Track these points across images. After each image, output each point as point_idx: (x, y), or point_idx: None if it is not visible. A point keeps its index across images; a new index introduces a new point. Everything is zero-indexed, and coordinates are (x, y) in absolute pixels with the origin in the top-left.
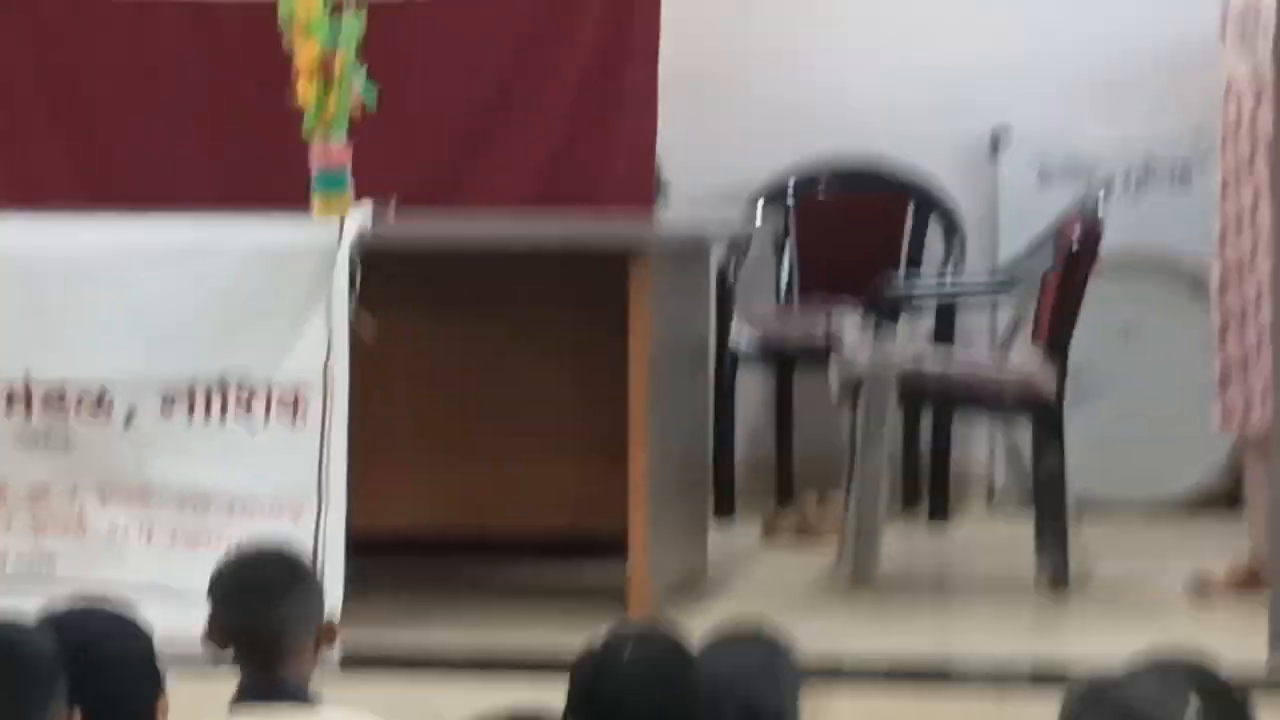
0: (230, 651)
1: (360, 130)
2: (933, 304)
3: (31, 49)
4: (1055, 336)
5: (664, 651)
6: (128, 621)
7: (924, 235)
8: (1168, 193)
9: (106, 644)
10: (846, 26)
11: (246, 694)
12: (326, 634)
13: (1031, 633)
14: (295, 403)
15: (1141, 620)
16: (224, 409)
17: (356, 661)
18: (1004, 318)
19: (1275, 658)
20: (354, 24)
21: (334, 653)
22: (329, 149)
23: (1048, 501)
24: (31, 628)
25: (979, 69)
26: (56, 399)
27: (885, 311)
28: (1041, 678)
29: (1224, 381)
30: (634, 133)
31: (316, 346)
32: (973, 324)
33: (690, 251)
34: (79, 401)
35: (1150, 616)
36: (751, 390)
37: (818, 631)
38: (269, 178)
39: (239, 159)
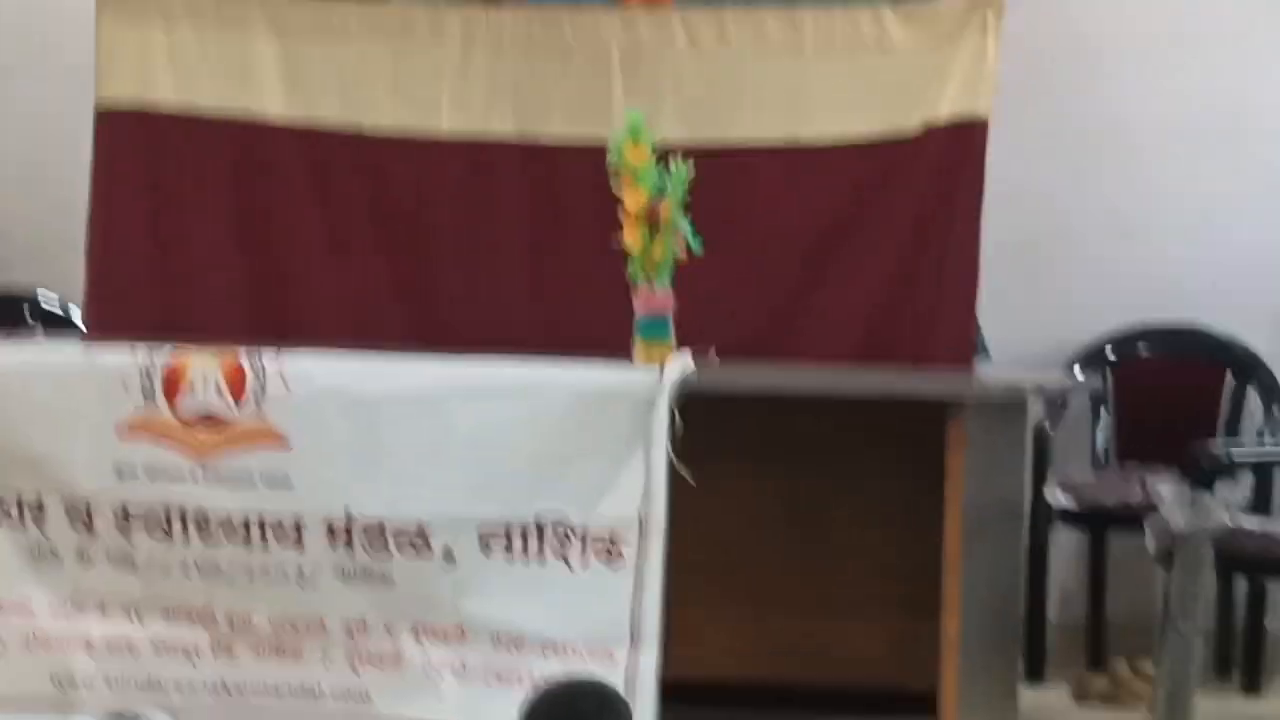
0: None
1: (684, 277)
2: (1251, 471)
3: (368, 187)
4: None
5: None
6: None
7: (1242, 403)
8: None
9: None
10: (1175, 202)
11: None
12: None
13: None
14: (611, 545)
15: None
16: (541, 549)
17: None
18: None
19: None
20: (682, 171)
21: None
22: (653, 294)
23: None
24: None
25: None
26: (377, 534)
27: (1203, 476)
28: None
29: None
30: (956, 292)
31: (634, 490)
32: None
33: (1008, 406)
34: (399, 537)
35: None
36: (1065, 551)
37: None
38: (591, 320)
39: (563, 300)
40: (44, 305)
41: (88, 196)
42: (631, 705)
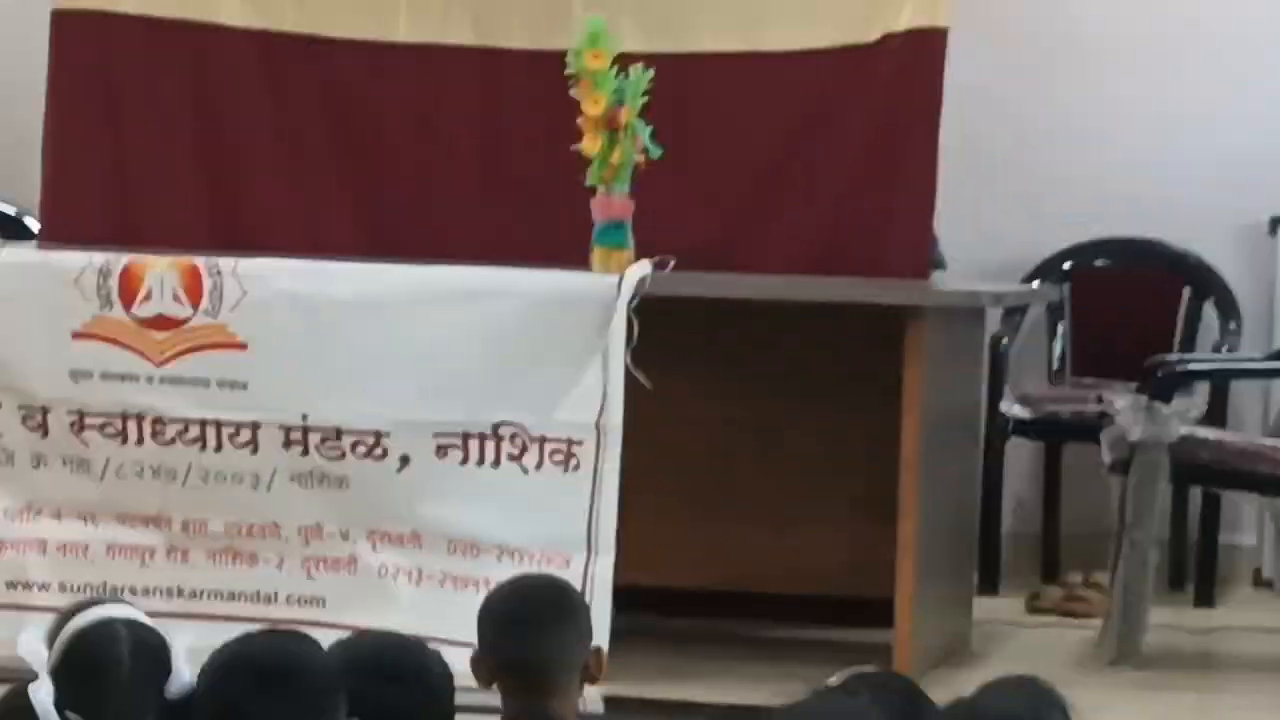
0: (496, 683)
1: (641, 185)
2: (1206, 384)
3: (323, 93)
4: None
5: (904, 694)
6: (418, 652)
7: (1199, 316)
8: None
9: (399, 668)
10: (1134, 112)
11: None
12: (595, 666)
13: None
14: (568, 452)
15: None
16: (497, 456)
17: (620, 706)
18: (1278, 401)
19: None
20: (641, 78)
21: (598, 691)
22: (611, 201)
23: None
24: (315, 644)
25: (1263, 152)
26: (333, 439)
27: (1159, 388)
28: None
29: None
30: (912, 202)
31: (591, 398)
32: (1245, 407)
33: (965, 317)
34: (355, 444)
35: None
36: (1020, 463)
37: (1078, 707)
38: (546, 228)
39: (517, 206)
40: (2, 213)
41: (43, 102)
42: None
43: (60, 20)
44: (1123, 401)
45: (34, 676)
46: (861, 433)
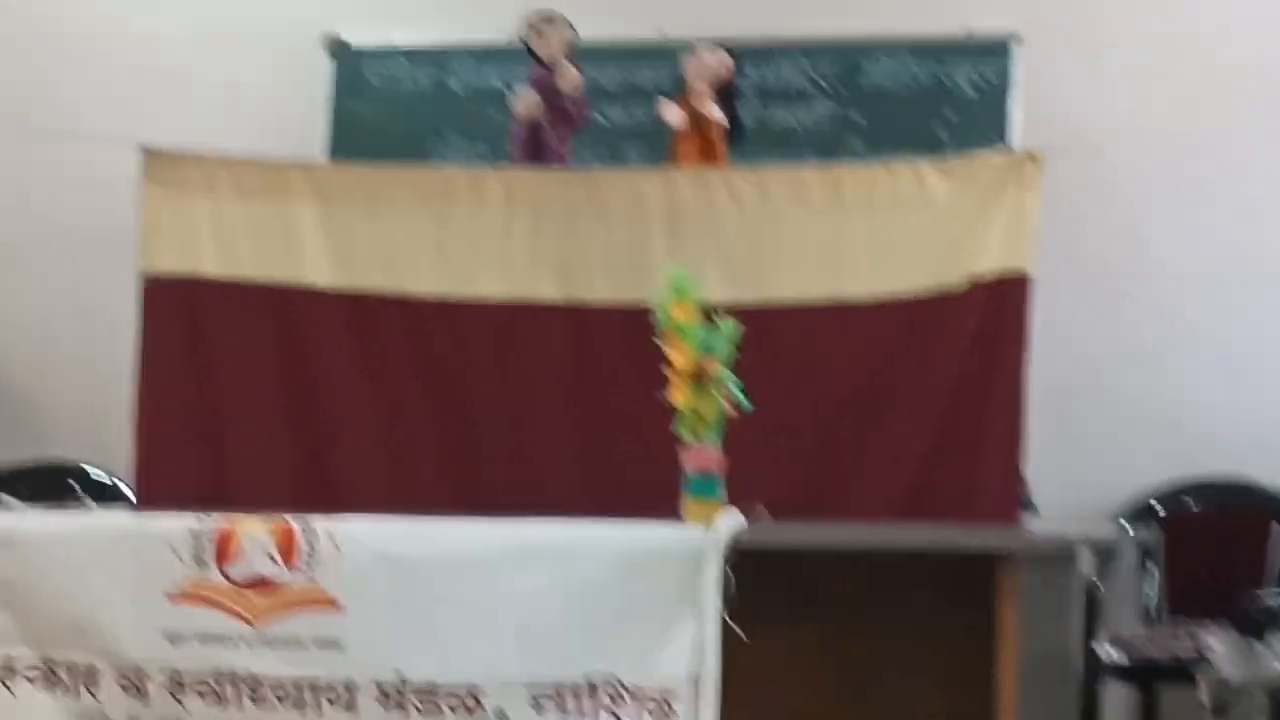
0: None
1: (731, 434)
2: None
3: (411, 351)
4: None
5: None
6: None
7: None
8: None
9: None
10: (1212, 350)
11: None
12: None
13: None
14: (663, 704)
15: None
16: (594, 710)
17: None
18: None
19: None
20: (728, 328)
21: None
22: (702, 453)
23: None
24: None
25: None
26: (429, 696)
27: (1254, 627)
28: None
29: None
30: (1001, 446)
31: (685, 651)
32: None
33: (1058, 559)
34: (451, 701)
35: None
36: (1118, 707)
37: None
38: (637, 480)
39: (607, 457)
40: (93, 478)
41: (133, 369)
42: None
43: (150, 286)
44: (1219, 643)
45: None
46: (956, 676)
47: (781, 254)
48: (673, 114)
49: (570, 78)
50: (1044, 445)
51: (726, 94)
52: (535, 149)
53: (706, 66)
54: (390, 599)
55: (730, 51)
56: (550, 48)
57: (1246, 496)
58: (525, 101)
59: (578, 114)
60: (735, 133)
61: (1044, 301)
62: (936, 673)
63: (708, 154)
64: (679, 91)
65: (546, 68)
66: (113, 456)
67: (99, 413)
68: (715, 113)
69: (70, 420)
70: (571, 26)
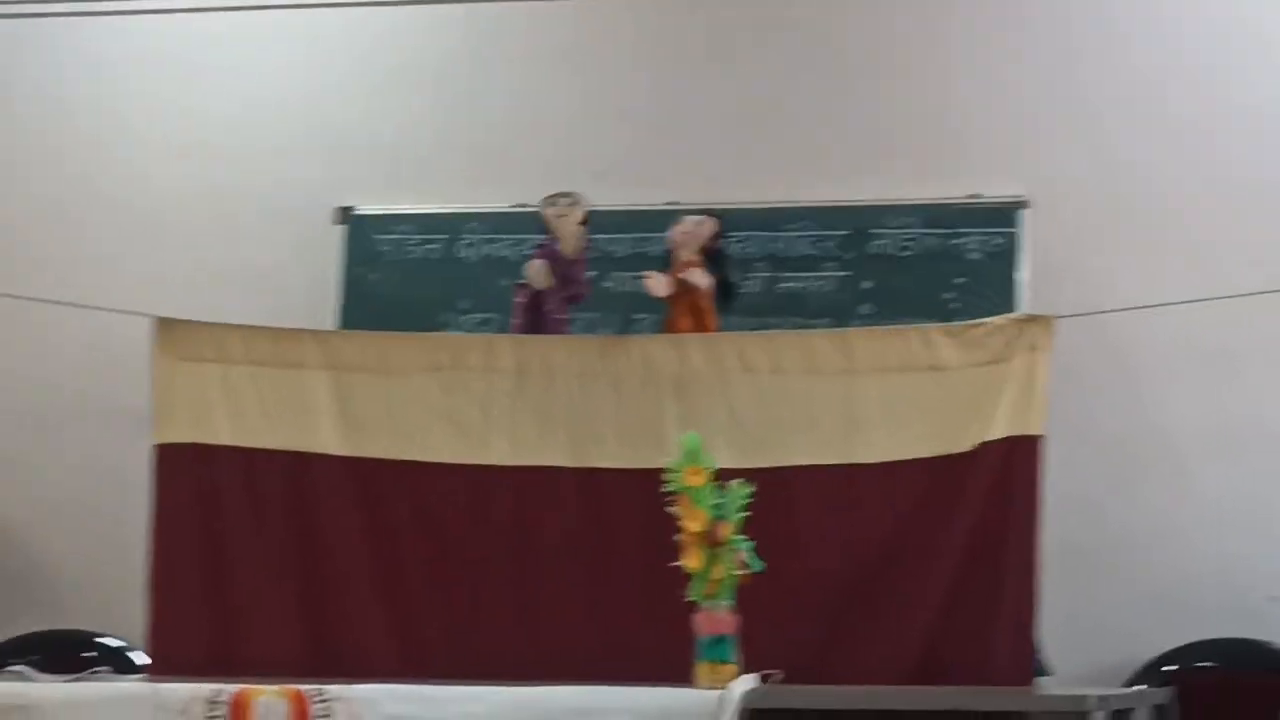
0: None
1: (743, 595)
2: None
3: (419, 518)
4: None
5: None
6: None
7: None
8: None
9: None
10: (1225, 505)
11: None
12: None
13: None
14: None
15: None
16: None
17: None
18: None
19: None
20: (739, 493)
21: None
22: (715, 616)
23: None
24: None
25: None
26: None
27: None
28: None
29: None
30: (1014, 609)
31: None
32: None
33: None
34: None
35: None
36: None
37: None
38: (649, 644)
39: (619, 621)
40: (108, 646)
41: (145, 537)
42: None
43: (161, 454)
44: None
45: None
46: None
47: (792, 422)
48: (656, 285)
49: (574, 244)
50: (1057, 607)
51: (715, 258)
52: (536, 317)
53: (691, 234)
54: None
55: (715, 215)
56: (568, 227)
57: (1260, 659)
58: (538, 270)
59: (583, 286)
60: (725, 295)
61: (1056, 465)
62: None
63: (699, 321)
64: (668, 263)
65: (556, 241)
66: (128, 625)
67: (113, 583)
68: (700, 280)
69: (87, 589)
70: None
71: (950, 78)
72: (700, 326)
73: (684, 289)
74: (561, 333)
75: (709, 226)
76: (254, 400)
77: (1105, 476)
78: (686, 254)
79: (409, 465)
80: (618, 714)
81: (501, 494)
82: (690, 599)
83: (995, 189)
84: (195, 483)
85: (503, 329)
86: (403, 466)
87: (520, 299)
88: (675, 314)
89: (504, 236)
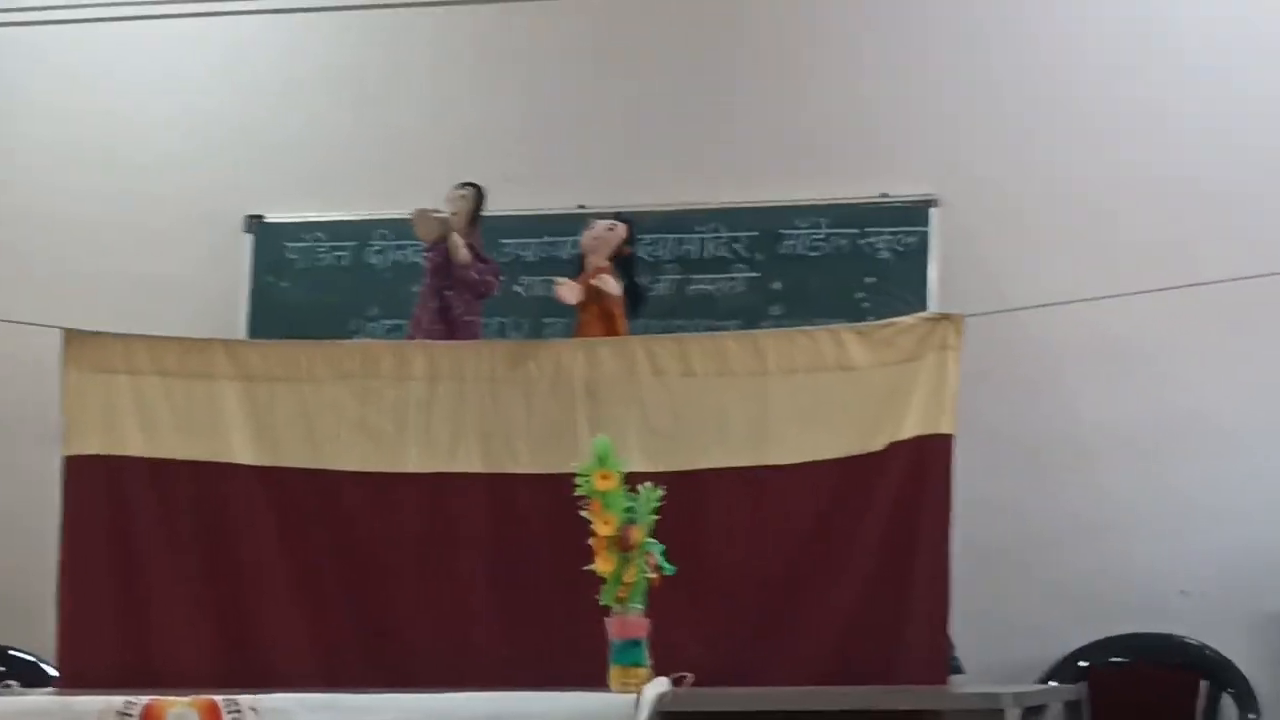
0: None
1: (655, 600)
2: None
3: (332, 526)
4: None
5: None
6: None
7: (1218, 709)
8: None
9: None
10: (1137, 504)
11: None
12: None
13: None
14: None
15: None
16: None
17: None
18: None
19: None
20: (650, 496)
21: None
22: (626, 620)
23: None
24: None
25: (1273, 544)
26: None
27: None
28: None
29: None
30: (927, 607)
31: None
32: None
33: (985, 718)
34: None
35: None
36: None
37: None
38: (562, 647)
39: (530, 627)
40: (20, 659)
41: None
42: None
43: (71, 466)
44: None
45: None
46: None
47: (703, 425)
48: (567, 292)
49: (461, 253)
50: (970, 605)
51: (625, 264)
52: (445, 323)
53: (601, 239)
54: None
55: (625, 219)
56: (430, 231)
57: (1174, 654)
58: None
59: (482, 283)
60: (635, 301)
61: (966, 464)
62: None
63: (609, 327)
64: (579, 267)
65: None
66: (36, 636)
67: (26, 594)
68: (611, 286)
69: None
70: (479, 194)
71: (858, 77)
72: (611, 332)
73: (595, 295)
74: (472, 334)
75: (620, 231)
76: (164, 411)
77: (1016, 474)
78: (597, 259)
79: (321, 474)
80: (531, 719)
81: (415, 501)
82: (602, 603)
83: (904, 188)
84: (106, 494)
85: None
86: (315, 475)
87: (420, 309)
88: (586, 320)
89: (413, 243)
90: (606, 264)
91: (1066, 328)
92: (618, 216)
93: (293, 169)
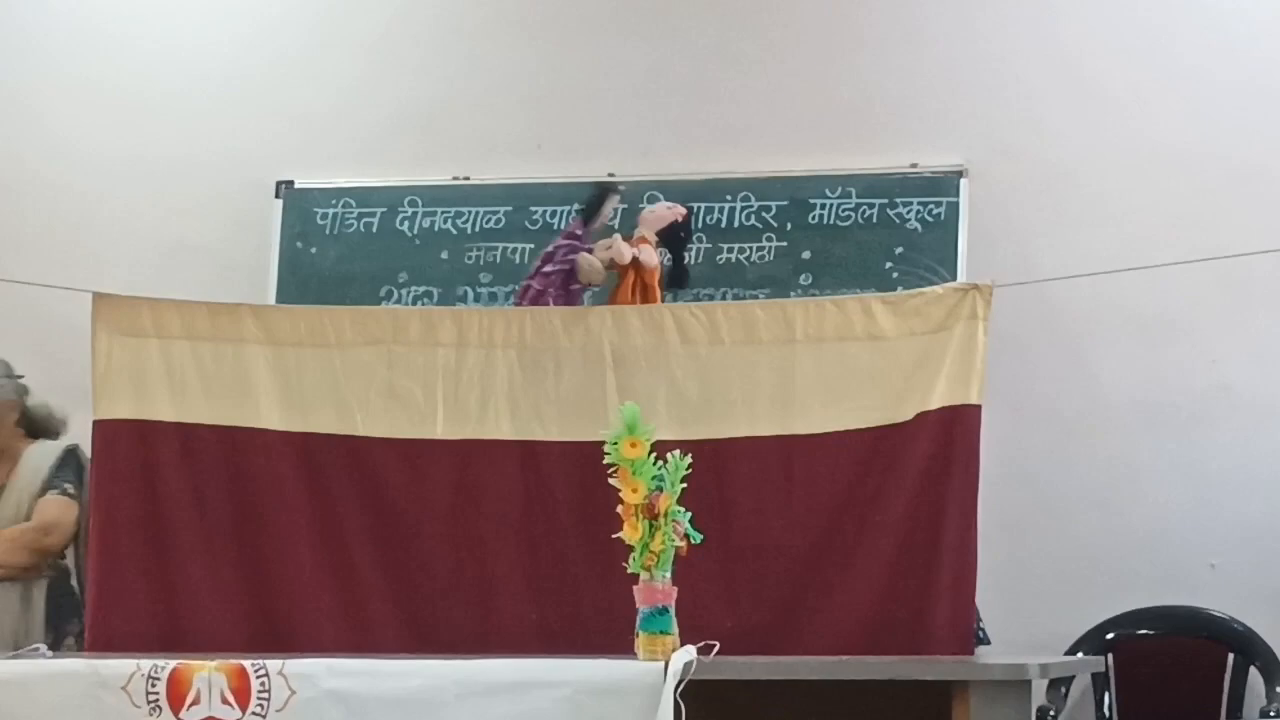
0: None
1: (684, 569)
2: None
3: (362, 492)
4: None
5: None
6: None
7: (1244, 681)
8: None
9: None
10: (1164, 475)
11: None
12: None
13: None
14: None
15: None
16: None
17: None
18: None
19: None
20: (679, 465)
21: None
22: (654, 588)
23: None
24: None
25: None
26: None
27: None
28: None
29: None
30: (954, 578)
31: None
32: None
33: (1011, 690)
34: None
35: None
36: None
37: None
38: (591, 614)
39: (560, 594)
40: None
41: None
42: None
43: (101, 430)
44: None
45: None
46: None
47: (731, 393)
48: (622, 247)
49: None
50: (997, 576)
51: (675, 240)
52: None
53: (657, 215)
54: None
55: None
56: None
57: (1201, 627)
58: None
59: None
60: (677, 277)
61: (994, 435)
62: None
63: (645, 298)
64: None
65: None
66: None
67: None
68: (651, 257)
69: None
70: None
71: (889, 48)
72: (646, 303)
73: (635, 264)
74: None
75: (676, 211)
76: (194, 376)
77: (1044, 446)
78: (645, 230)
79: (349, 440)
80: (558, 686)
81: (443, 467)
82: (630, 571)
83: (934, 159)
84: (136, 458)
85: (442, 302)
86: (343, 441)
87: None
88: (623, 288)
89: (444, 209)
90: (653, 237)
91: (1095, 299)
92: (661, 192)
93: (323, 135)
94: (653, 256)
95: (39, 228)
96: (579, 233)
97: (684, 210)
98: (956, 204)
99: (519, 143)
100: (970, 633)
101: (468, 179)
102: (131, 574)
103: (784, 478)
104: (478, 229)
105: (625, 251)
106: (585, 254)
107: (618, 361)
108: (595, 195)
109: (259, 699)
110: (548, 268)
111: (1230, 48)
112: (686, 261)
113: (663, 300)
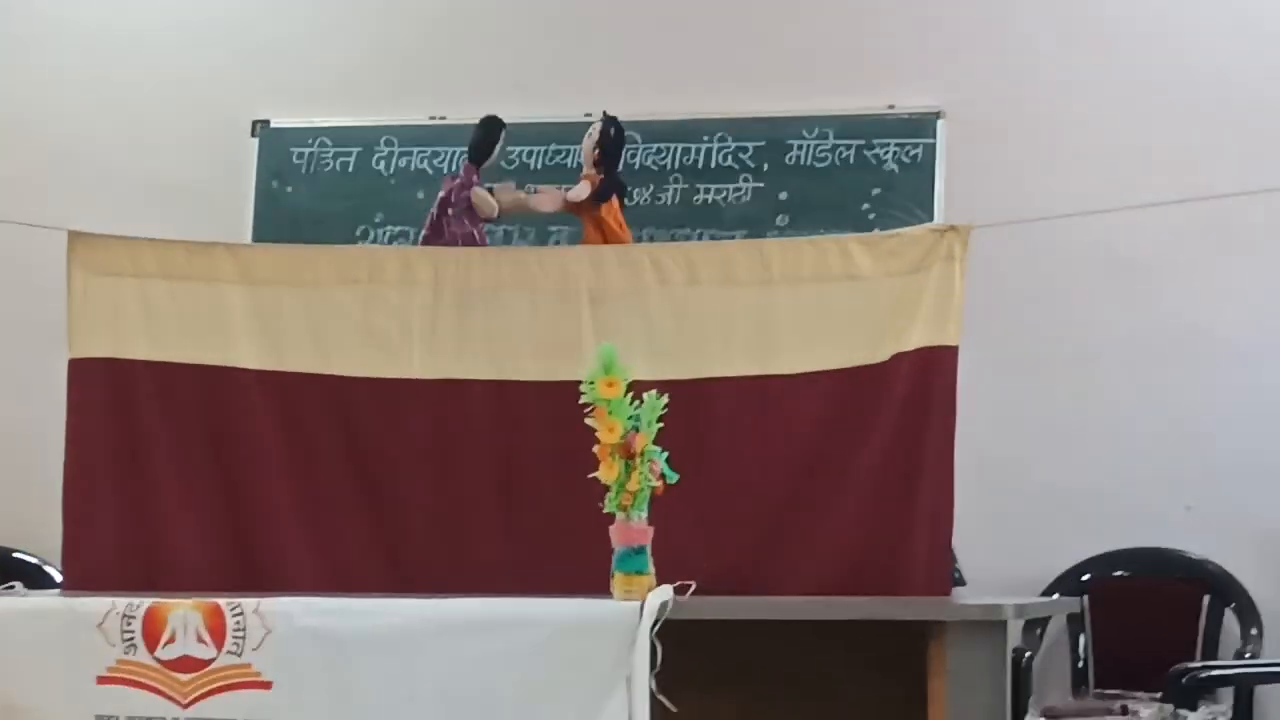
0: None
1: (660, 509)
2: (1230, 690)
3: (339, 431)
4: None
5: None
6: None
7: (1220, 623)
8: None
9: None
10: (1141, 416)
11: None
12: None
13: None
14: None
15: None
16: None
17: None
18: None
19: None
20: (655, 404)
21: None
22: (630, 527)
23: None
24: None
25: (1274, 456)
26: None
27: (1183, 696)
28: None
29: None
30: (931, 520)
31: None
32: (1271, 713)
33: (987, 631)
34: None
35: None
36: None
37: None
38: (566, 554)
39: (535, 534)
40: (24, 563)
41: (60, 453)
42: None
43: (76, 369)
44: (1148, 711)
45: None
46: None
47: (708, 333)
48: (543, 199)
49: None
50: (973, 518)
51: (606, 156)
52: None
53: (585, 150)
54: (320, 676)
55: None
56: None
57: (1177, 568)
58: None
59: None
60: (607, 192)
61: (971, 376)
62: None
63: (601, 233)
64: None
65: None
66: (41, 539)
67: (27, 496)
68: (575, 192)
69: (2, 506)
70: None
71: None
72: (606, 239)
73: (577, 206)
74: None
75: (593, 132)
76: (170, 314)
77: (1020, 387)
78: (587, 166)
79: (326, 379)
80: (534, 625)
81: (419, 407)
82: (606, 510)
83: (911, 100)
84: (111, 397)
85: (418, 242)
86: (320, 380)
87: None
88: (587, 229)
89: (420, 149)
90: (591, 171)
91: (1071, 240)
92: (609, 120)
93: (299, 74)
94: (579, 191)
95: (14, 167)
96: (474, 178)
97: (600, 122)
98: (934, 145)
99: (496, 82)
100: (947, 574)
101: (444, 119)
102: (106, 513)
103: (761, 418)
104: (454, 169)
105: (544, 203)
106: (478, 189)
107: (595, 302)
108: (482, 136)
109: (234, 637)
110: (450, 211)
111: None
112: (616, 172)
113: (625, 227)
